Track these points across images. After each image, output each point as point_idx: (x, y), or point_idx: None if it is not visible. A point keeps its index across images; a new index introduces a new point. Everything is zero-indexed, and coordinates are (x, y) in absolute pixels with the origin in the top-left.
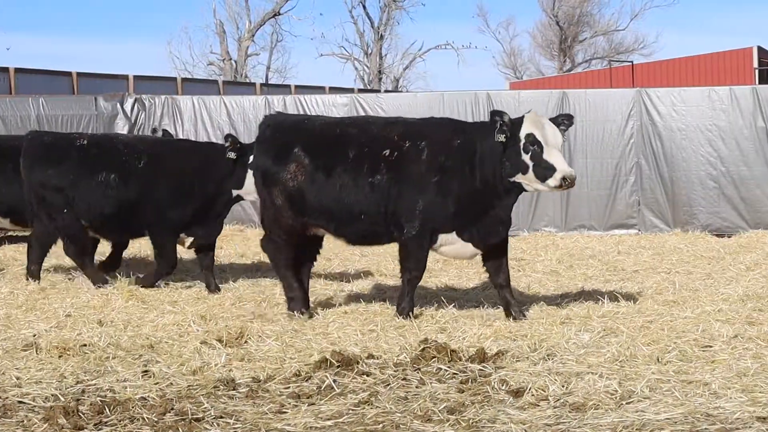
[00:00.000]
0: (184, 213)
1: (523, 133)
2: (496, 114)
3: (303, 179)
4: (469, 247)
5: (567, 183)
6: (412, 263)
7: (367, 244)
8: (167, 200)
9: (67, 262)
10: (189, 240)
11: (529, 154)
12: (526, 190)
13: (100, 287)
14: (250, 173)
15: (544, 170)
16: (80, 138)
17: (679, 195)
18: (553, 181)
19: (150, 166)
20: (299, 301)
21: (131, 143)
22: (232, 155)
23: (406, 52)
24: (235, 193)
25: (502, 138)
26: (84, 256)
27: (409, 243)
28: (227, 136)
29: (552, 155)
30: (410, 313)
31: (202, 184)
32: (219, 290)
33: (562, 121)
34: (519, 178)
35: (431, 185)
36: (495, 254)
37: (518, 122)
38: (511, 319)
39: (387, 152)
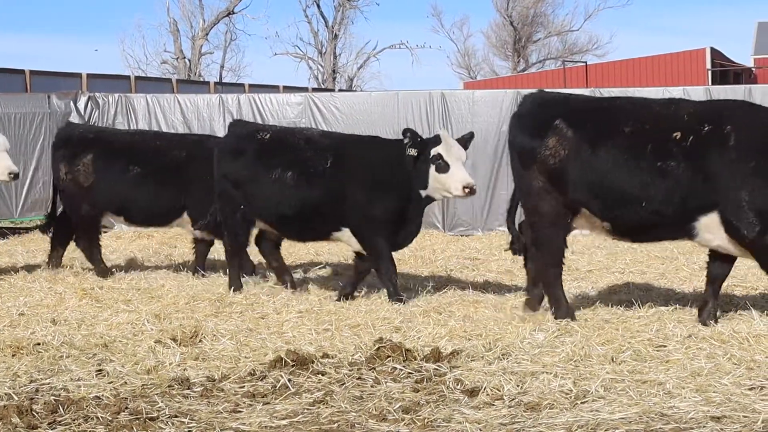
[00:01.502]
0: (385, 211)
1: None
2: None
3: (568, 157)
4: None
5: None
6: None
7: (647, 239)
8: (366, 199)
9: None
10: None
11: None
12: None
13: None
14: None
15: None
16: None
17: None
18: None
19: (339, 163)
20: (563, 308)
21: (315, 138)
22: (413, 152)
23: (361, 51)
24: (423, 193)
25: None
26: (241, 254)
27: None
28: (406, 131)
29: None
30: None
31: (395, 182)
32: (403, 301)
33: None
34: None
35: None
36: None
37: None
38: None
39: (678, 135)
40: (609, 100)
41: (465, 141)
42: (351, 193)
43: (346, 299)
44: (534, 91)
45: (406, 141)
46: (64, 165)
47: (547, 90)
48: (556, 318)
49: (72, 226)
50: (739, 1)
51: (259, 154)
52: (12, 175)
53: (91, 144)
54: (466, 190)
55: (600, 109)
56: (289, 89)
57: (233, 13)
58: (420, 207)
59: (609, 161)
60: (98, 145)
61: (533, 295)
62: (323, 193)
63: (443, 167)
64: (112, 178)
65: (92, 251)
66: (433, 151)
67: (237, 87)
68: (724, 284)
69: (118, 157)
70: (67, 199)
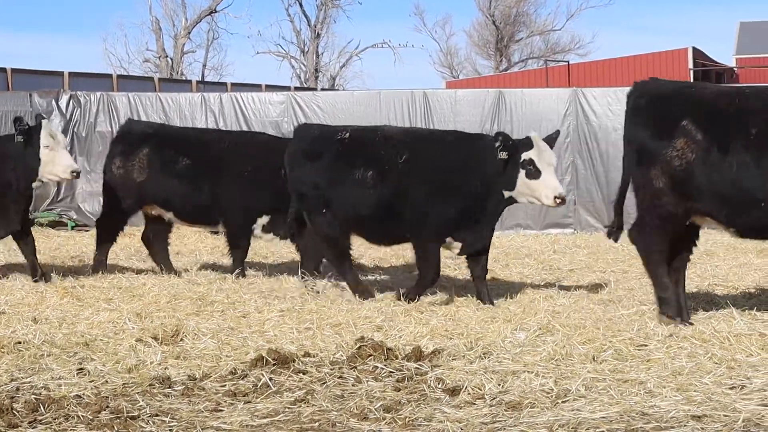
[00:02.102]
0: (449, 214)
1: None
2: None
3: (692, 157)
4: None
5: None
6: None
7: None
8: (430, 199)
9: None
10: (457, 246)
11: None
12: None
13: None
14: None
15: None
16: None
17: (614, 194)
18: None
19: (412, 161)
20: (672, 306)
21: (393, 135)
22: (503, 155)
23: (343, 50)
24: (506, 194)
25: None
26: (344, 261)
27: None
28: (498, 134)
29: None
30: None
31: (469, 182)
32: (492, 303)
33: None
34: None
35: None
36: None
37: None
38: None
39: None
40: (736, 93)
41: (552, 141)
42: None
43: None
44: (646, 80)
45: (497, 144)
46: (120, 159)
47: (660, 79)
48: (662, 315)
49: (115, 223)
50: (721, 0)
51: (340, 155)
52: (74, 173)
53: (148, 139)
54: (558, 201)
55: (727, 104)
56: (271, 88)
57: (216, 11)
58: (499, 208)
59: (739, 167)
60: (155, 140)
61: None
62: (401, 193)
63: (534, 173)
64: (164, 173)
65: (104, 246)
66: (525, 156)
67: (219, 86)
68: (705, 283)
69: (171, 152)
70: (110, 192)
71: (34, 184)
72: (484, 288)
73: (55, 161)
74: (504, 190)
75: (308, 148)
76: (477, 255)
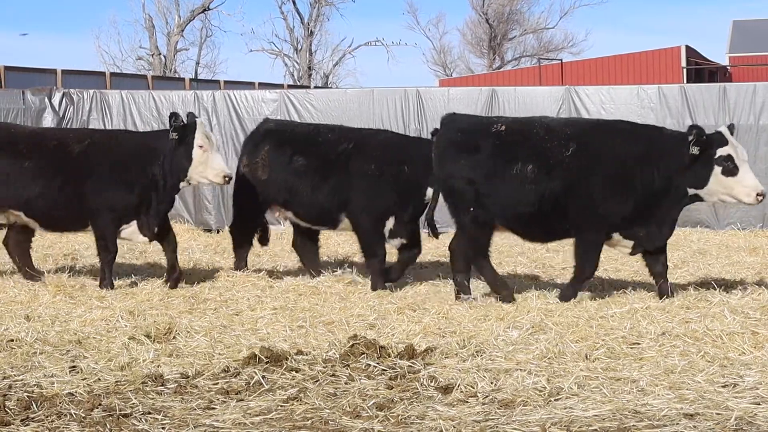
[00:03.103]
0: (619, 210)
1: None
2: None
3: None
4: None
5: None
6: None
7: None
8: (599, 194)
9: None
10: (627, 243)
11: None
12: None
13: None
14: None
15: None
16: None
17: None
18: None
19: (580, 153)
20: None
21: (556, 127)
22: (695, 150)
23: (336, 48)
24: (692, 192)
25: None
26: (485, 259)
27: None
28: (692, 127)
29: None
30: None
31: (645, 176)
32: (673, 295)
33: None
34: None
35: None
36: None
37: None
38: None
39: None
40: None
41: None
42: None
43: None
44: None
45: (690, 138)
46: (246, 157)
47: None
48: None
49: (253, 224)
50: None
51: (497, 149)
52: (226, 178)
53: (271, 136)
54: (759, 198)
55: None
56: (264, 86)
57: (209, 9)
58: (680, 205)
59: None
60: (277, 138)
61: None
62: (567, 188)
63: (732, 170)
64: (284, 171)
65: (240, 251)
66: (721, 152)
67: (212, 83)
68: (698, 281)
69: (289, 149)
70: (237, 190)
71: (181, 184)
72: (666, 285)
73: (207, 163)
74: (689, 187)
75: (461, 141)
76: (655, 253)
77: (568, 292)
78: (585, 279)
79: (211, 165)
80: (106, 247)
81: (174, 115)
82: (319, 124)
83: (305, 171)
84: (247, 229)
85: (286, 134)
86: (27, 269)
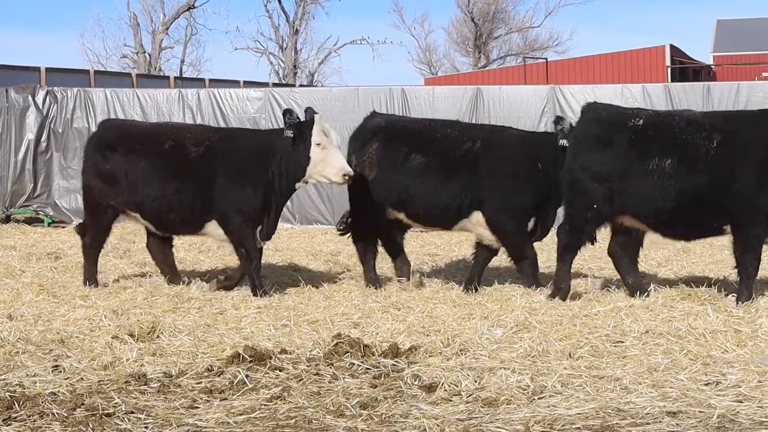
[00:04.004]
0: None
1: None
2: None
3: None
4: None
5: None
6: None
7: None
8: (757, 186)
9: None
10: None
11: None
12: None
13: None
14: None
15: None
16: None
17: None
18: None
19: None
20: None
21: (697, 119)
22: None
23: (322, 46)
24: None
25: None
26: (569, 258)
27: None
28: None
29: None
30: None
31: None
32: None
33: None
34: None
35: None
36: None
37: None
38: None
39: None
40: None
41: None
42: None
43: None
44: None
45: None
46: (354, 157)
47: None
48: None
49: (374, 228)
50: None
51: (635, 142)
52: (346, 177)
53: (379, 132)
54: None
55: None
56: (249, 84)
57: (194, 7)
58: None
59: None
60: (384, 134)
61: None
62: (718, 182)
63: None
64: (398, 170)
65: (366, 254)
66: None
67: (197, 82)
68: (682, 280)
69: (403, 146)
70: (352, 195)
71: (297, 184)
72: None
73: (327, 161)
74: None
75: (600, 133)
76: None
77: (743, 294)
78: (753, 275)
79: (331, 163)
80: (248, 255)
81: (288, 112)
82: (432, 119)
83: (425, 170)
84: (368, 234)
85: (397, 130)
86: (169, 271)
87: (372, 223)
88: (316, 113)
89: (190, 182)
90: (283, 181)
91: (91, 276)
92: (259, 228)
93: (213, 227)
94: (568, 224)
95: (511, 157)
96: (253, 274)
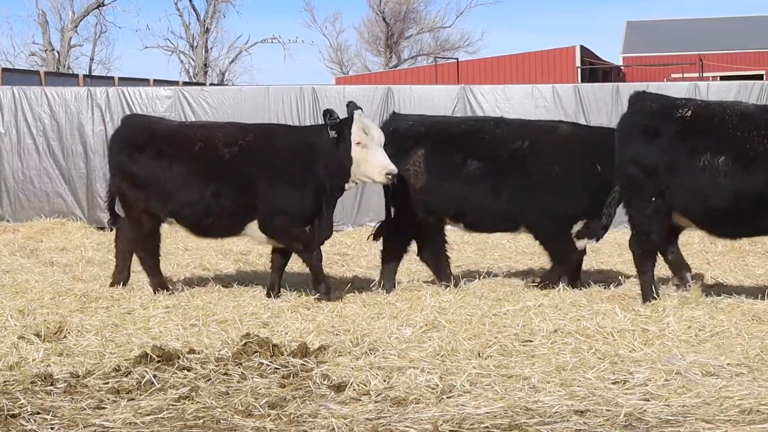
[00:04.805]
0: None
1: None
2: None
3: None
4: None
5: None
6: None
7: None
8: None
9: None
10: None
11: None
12: None
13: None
14: None
15: None
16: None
17: None
18: None
19: None
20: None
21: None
22: None
23: (232, 45)
24: None
25: None
26: (651, 260)
27: None
28: None
29: None
30: None
31: None
32: None
33: None
34: None
35: None
36: None
37: None
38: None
39: None
40: None
41: None
42: None
43: None
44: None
45: None
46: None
47: None
48: None
49: (407, 234)
50: (609, 0)
51: (683, 134)
52: (389, 176)
53: (423, 137)
54: None
55: None
56: (159, 83)
57: (103, 5)
58: None
59: None
60: (431, 139)
61: None
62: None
63: None
64: (451, 177)
65: (439, 262)
66: None
67: (107, 80)
68: (590, 279)
69: (453, 151)
70: (398, 202)
71: (346, 186)
72: None
73: (369, 160)
74: None
75: (648, 124)
76: None
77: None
78: None
79: (373, 162)
80: (308, 247)
81: (328, 112)
82: (478, 117)
83: (479, 176)
84: (401, 246)
85: (441, 133)
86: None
87: (408, 236)
88: (357, 109)
89: (229, 184)
90: (333, 184)
91: (162, 284)
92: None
93: (253, 228)
94: (633, 228)
95: (563, 157)
96: (316, 271)
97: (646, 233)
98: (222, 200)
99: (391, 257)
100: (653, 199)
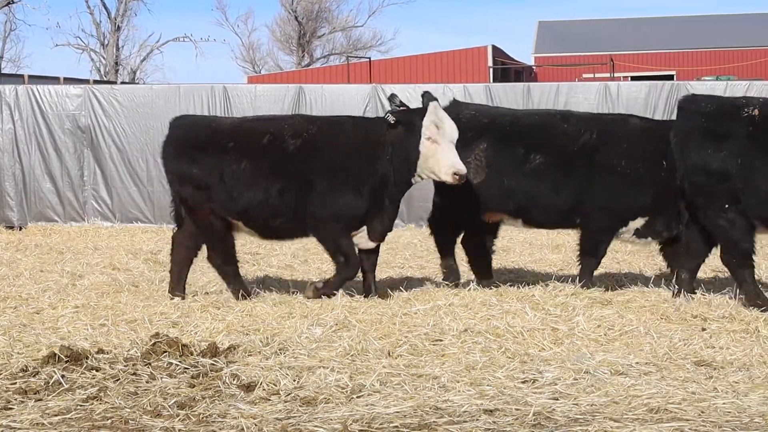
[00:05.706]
0: None
1: None
2: None
3: None
4: None
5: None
6: None
7: None
8: None
9: None
10: None
11: None
12: None
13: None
14: None
15: None
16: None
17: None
18: None
19: None
20: None
21: None
22: None
23: (144, 43)
24: None
25: None
26: (747, 267)
27: None
28: None
29: None
30: None
31: None
32: None
33: None
34: None
35: None
36: None
37: None
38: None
39: None
40: None
41: None
42: None
43: None
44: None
45: None
46: None
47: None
48: None
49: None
50: (521, 1)
51: (755, 136)
52: (456, 176)
53: (485, 129)
54: None
55: None
56: (69, 81)
57: (13, 2)
58: None
59: None
60: (492, 131)
61: None
62: None
63: None
64: (507, 170)
65: (479, 264)
66: None
67: (16, 78)
68: (503, 278)
69: (513, 143)
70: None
71: (413, 180)
72: None
73: (437, 156)
74: None
75: (710, 126)
76: None
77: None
78: None
79: (441, 159)
80: (347, 262)
81: (393, 96)
82: (537, 111)
83: (545, 170)
84: (451, 239)
85: (503, 125)
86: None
87: (458, 229)
88: (433, 100)
89: (291, 183)
90: (399, 177)
91: (245, 290)
92: (367, 228)
93: None
94: (719, 241)
95: (629, 152)
96: (337, 284)
97: (734, 242)
98: (286, 200)
99: (446, 251)
100: (727, 206)
